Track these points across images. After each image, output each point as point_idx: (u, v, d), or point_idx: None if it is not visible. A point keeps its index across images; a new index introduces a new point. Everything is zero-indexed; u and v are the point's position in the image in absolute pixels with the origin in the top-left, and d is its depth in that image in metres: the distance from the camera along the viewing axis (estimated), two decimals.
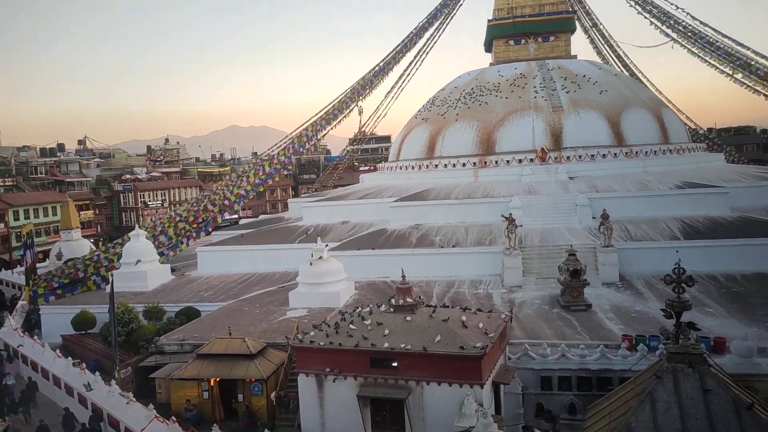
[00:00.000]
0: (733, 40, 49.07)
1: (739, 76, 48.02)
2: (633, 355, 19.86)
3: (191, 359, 22.54)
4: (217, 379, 21.77)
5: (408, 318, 18.07)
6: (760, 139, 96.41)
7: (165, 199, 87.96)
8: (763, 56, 47.51)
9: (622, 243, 31.33)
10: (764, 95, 47.02)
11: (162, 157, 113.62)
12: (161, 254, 40.74)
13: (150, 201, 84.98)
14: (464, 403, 15.58)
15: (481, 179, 44.21)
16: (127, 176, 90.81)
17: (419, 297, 19.59)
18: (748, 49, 48.25)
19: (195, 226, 43.84)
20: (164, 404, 22.12)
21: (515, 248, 31.07)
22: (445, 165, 47.16)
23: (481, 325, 17.93)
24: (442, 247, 33.90)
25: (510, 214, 32.25)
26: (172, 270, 40.26)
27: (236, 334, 23.54)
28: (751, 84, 47.44)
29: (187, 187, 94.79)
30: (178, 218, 44.84)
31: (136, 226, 40.78)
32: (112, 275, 33.31)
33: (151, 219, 60.19)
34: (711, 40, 49.56)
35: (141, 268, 36.82)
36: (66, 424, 21.71)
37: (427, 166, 48.49)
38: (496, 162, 45.24)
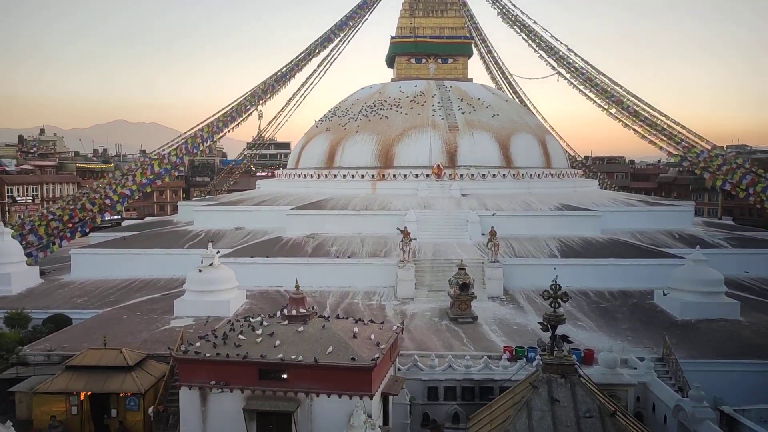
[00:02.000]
0: (609, 79, 54.11)
1: (613, 111, 52.94)
2: (513, 365, 20.99)
3: (59, 371, 20.59)
4: (89, 394, 20.05)
5: (300, 329, 17.80)
6: (628, 168, 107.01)
7: (37, 195, 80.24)
8: (633, 95, 52.81)
9: (507, 259, 33.17)
10: (633, 129, 52.21)
11: (36, 149, 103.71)
12: (29, 255, 37.05)
13: (19, 196, 77.11)
14: (353, 414, 15.57)
15: (378, 191, 44.86)
16: None
17: (312, 307, 19.37)
18: (621, 87, 53.41)
19: (70, 225, 40.41)
20: (25, 421, 19.97)
21: (409, 261, 31.80)
22: (344, 176, 47.37)
23: (372, 336, 18.08)
24: (338, 257, 33.90)
25: (405, 227, 32.99)
26: (42, 273, 36.70)
27: (112, 344, 21.88)
28: (622, 119, 52.46)
29: (64, 183, 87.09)
30: (50, 216, 41.07)
31: (1, 223, 36.74)
32: None
33: (20, 216, 54.57)
34: (590, 76, 54.26)
35: (3, 270, 33.19)
36: None
37: (326, 175, 48.40)
38: (394, 176, 46.19)
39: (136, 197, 47.13)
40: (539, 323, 16.11)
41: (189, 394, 17.00)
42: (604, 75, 54.33)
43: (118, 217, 67.40)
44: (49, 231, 39.74)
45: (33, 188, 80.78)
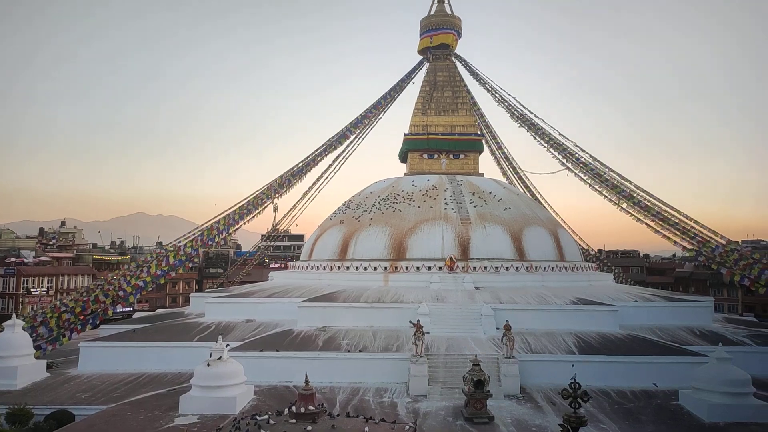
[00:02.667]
0: (618, 174, 55.12)
1: (624, 205, 53.42)
2: None
3: None
4: None
5: (309, 428, 17.12)
6: (642, 262, 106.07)
7: (51, 287, 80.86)
8: (643, 190, 53.48)
9: (522, 354, 32.17)
10: (645, 224, 52.36)
11: (55, 241, 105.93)
12: (38, 348, 36.68)
13: (34, 288, 77.74)
14: None
15: (391, 284, 44.65)
16: (12, 259, 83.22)
17: (322, 404, 18.75)
18: (631, 182, 54.25)
19: (81, 318, 40.26)
20: None
21: (422, 356, 30.98)
22: (357, 268, 47.43)
23: None
24: (349, 351, 33.16)
25: (418, 320, 32.48)
26: (49, 366, 36.14)
27: None
28: (634, 213, 52.79)
29: (80, 274, 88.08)
30: (63, 308, 41.06)
31: (13, 315, 36.76)
32: None
33: (32, 308, 54.66)
34: (599, 172, 55.33)
35: (10, 363, 32.77)
36: None
37: (339, 267, 48.50)
38: (407, 268, 46.17)
39: (149, 288, 47.25)
40: (559, 425, 15.38)
41: None
42: (612, 170, 55.40)
43: (130, 308, 67.27)
44: (61, 323, 39.59)
45: (49, 280, 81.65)
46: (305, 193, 63.85)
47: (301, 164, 58.82)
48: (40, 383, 33.26)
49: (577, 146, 57.34)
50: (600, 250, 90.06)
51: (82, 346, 37.14)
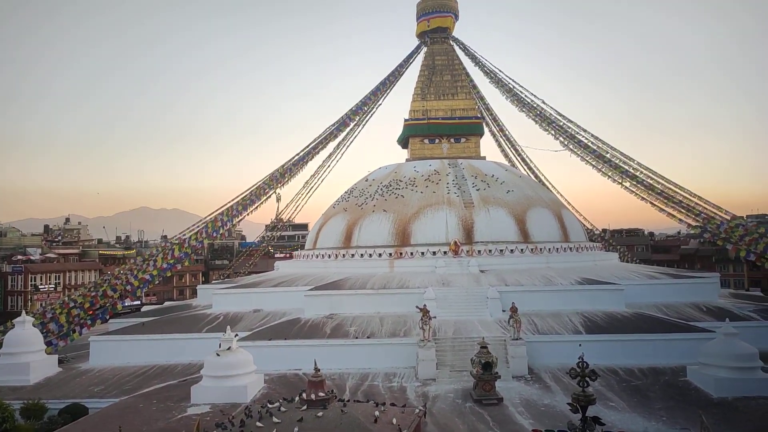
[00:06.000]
0: (621, 153, 54.82)
1: (627, 184, 53.22)
2: None
3: None
4: None
5: (319, 414, 17.29)
6: (647, 240, 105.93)
7: (59, 283, 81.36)
8: (646, 168, 53.24)
9: (530, 336, 32.33)
10: (650, 203, 52.19)
11: (60, 238, 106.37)
12: (49, 344, 37.00)
13: (42, 284, 78.25)
14: None
15: (396, 270, 44.77)
16: (19, 257, 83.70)
17: (332, 390, 18.91)
18: (634, 161, 53.98)
19: (90, 313, 40.53)
20: None
21: (429, 340, 31.15)
22: (362, 255, 47.53)
23: (394, 420, 17.46)
24: (357, 337, 33.37)
25: (424, 305, 32.61)
26: (60, 361, 36.51)
27: None
28: (637, 192, 52.62)
29: (86, 270, 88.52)
30: (71, 304, 41.33)
31: (23, 312, 37.06)
32: None
33: (41, 304, 55.06)
34: (601, 152, 55.04)
35: (22, 359, 33.11)
36: None
37: (344, 255, 48.62)
38: (412, 253, 46.25)
39: (156, 282, 47.49)
40: (568, 404, 15.48)
41: None
42: (615, 149, 55.11)
43: (138, 302, 67.66)
44: (70, 319, 39.88)
45: (56, 276, 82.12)
46: (307, 182, 63.91)
47: (302, 153, 58.77)
48: (52, 378, 33.63)
49: (579, 127, 57.02)
50: (604, 230, 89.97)
51: (93, 340, 37.49)
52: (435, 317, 32.75)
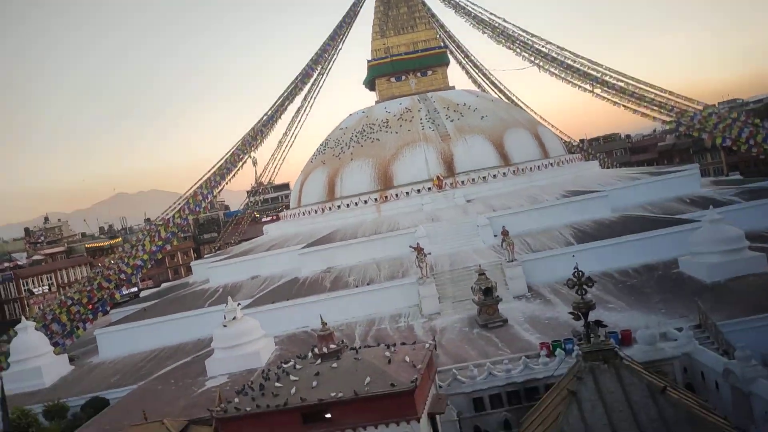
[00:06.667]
0: (588, 60, 54.36)
1: (598, 91, 53.07)
2: (553, 360, 20.71)
3: None
4: None
5: (334, 365, 17.70)
6: (624, 144, 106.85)
7: (52, 283, 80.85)
8: (614, 71, 52.99)
9: (524, 255, 32.97)
10: (622, 106, 52.27)
11: (43, 238, 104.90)
12: (56, 344, 37.14)
13: (35, 288, 77.71)
14: None
15: (384, 214, 44.90)
16: (6, 264, 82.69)
17: (342, 341, 19.30)
18: (602, 66, 53.62)
19: (90, 307, 40.57)
20: None
21: (428, 276, 31.67)
22: (348, 205, 47.48)
23: (407, 358, 17.94)
24: (357, 286, 33.82)
25: (417, 243, 32.95)
26: (71, 360, 36.75)
27: (152, 417, 21.72)
28: (609, 97, 52.56)
29: (76, 266, 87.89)
30: (69, 302, 41.28)
31: (23, 317, 36.95)
32: (1, 378, 29.76)
33: (39, 307, 54.87)
34: (569, 62, 54.52)
35: (33, 363, 33.27)
36: None
37: (330, 208, 48.55)
38: (396, 195, 46.27)
39: (149, 266, 47.38)
40: (570, 313, 15.99)
41: None
42: (581, 57, 54.61)
43: (135, 289, 67.67)
44: (71, 316, 39.92)
45: (47, 277, 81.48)
46: (281, 141, 62.87)
47: (269, 112, 57.55)
48: (67, 377, 33.95)
49: (543, 40, 56.20)
50: (582, 140, 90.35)
51: (99, 333, 37.65)
52: (430, 253, 33.18)
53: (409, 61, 57.24)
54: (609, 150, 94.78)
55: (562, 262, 30.53)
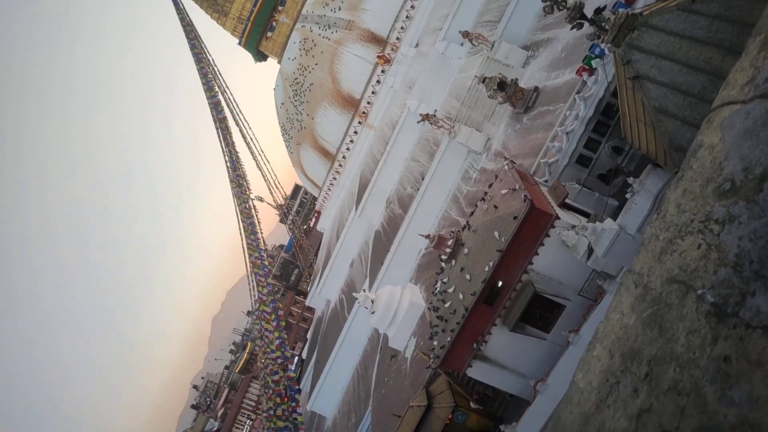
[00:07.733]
0: None
1: None
2: (598, 74, 20.21)
3: None
4: None
5: (465, 251, 18.19)
6: None
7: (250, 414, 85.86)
8: None
9: (497, 30, 31.92)
10: None
11: None
12: None
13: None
14: (564, 239, 15.80)
15: (377, 126, 44.36)
16: None
17: (452, 234, 19.68)
18: None
19: (286, 399, 43.04)
20: None
21: (453, 126, 31.13)
22: (343, 156, 47.12)
23: (503, 191, 18.00)
24: (417, 189, 33.80)
25: (420, 115, 32.26)
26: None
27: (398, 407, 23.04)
28: None
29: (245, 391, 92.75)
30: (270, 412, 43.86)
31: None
32: None
33: None
34: None
35: None
36: None
37: (336, 170, 48.26)
38: (368, 103, 45.41)
39: (285, 337, 49.42)
40: (571, 28, 15.52)
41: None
42: None
43: (297, 356, 70.93)
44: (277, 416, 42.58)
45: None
46: (255, 158, 61.21)
47: (226, 159, 56.90)
48: None
49: None
50: None
51: None
52: (436, 110, 32.66)
53: (264, 7, 54.66)
54: None
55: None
